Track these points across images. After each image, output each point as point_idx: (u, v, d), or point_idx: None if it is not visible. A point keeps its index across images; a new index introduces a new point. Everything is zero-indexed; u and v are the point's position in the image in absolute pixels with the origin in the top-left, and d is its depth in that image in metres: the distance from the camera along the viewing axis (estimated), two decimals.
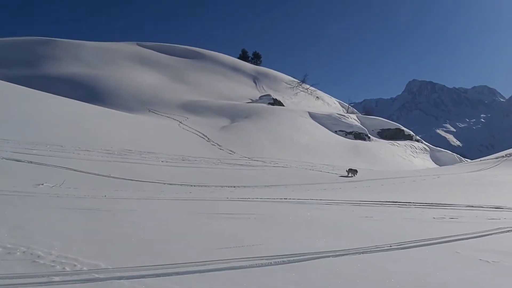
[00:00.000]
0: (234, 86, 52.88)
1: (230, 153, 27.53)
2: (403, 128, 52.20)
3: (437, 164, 45.41)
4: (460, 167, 27.93)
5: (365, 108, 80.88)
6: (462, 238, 5.74)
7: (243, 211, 7.14)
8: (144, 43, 59.88)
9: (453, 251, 5.07)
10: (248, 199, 9.90)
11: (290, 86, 59.35)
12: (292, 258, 4.15)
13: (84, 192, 9.74)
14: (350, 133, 44.82)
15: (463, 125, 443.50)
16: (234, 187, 15.50)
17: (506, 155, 27.33)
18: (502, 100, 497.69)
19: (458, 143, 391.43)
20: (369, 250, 4.86)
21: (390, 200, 9.84)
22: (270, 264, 3.88)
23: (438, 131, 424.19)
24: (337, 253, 4.54)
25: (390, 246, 5.15)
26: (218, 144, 28.76)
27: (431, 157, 50.17)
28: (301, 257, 4.18)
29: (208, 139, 29.50)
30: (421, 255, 4.86)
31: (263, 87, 55.34)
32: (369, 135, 46.49)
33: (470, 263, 4.61)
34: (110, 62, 48.61)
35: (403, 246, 5.18)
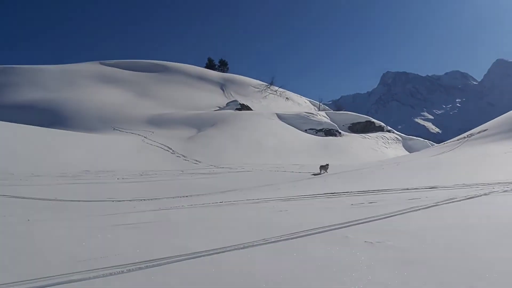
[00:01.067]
0: (201, 95, 52.61)
1: (195, 163, 27.22)
2: (373, 120, 52.62)
3: (409, 152, 45.81)
4: (423, 153, 28.14)
5: (338, 105, 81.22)
6: (362, 222, 5.61)
7: (152, 220, 6.89)
8: (106, 62, 59.14)
9: (343, 236, 4.92)
10: (181, 207, 9.65)
11: (258, 89, 59.39)
12: (156, 263, 3.93)
13: (8, 219, 9.34)
14: (320, 130, 44.94)
15: (440, 112, 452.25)
16: (187, 196, 15.19)
17: (467, 135, 27.62)
18: (474, 83, 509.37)
19: (437, 129, 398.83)
20: (252, 244, 4.67)
21: (322, 192, 9.71)
22: (123, 272, 3.66)
23: (416, 120, 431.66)
24: (212, 252, 4.34)
25: (280, 237, 4.98)
26: (183, 155, 28.43)
27: (403, 146, 50.68)
28: (167, 261, 3.98)
29: (173, 151, 29.14)
30: (304, 244, 4.70)
31: (231, 94, 55.22)
32: (339, 131, 46.69)
33: (350, 246, 4.46)
34: (71, 84, 47.85)
35: (294, 236, 5.01)
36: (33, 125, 29.35)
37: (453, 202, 6.92)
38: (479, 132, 26.93)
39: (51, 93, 44.27)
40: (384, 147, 46.67)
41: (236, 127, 37.66)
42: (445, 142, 30.37)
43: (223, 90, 56.23)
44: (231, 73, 67.84)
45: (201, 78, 58.22)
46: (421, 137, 59.37)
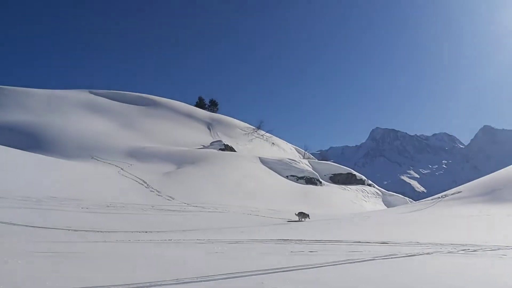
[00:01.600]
0: (187, 132, 52.64)
1: (168, 199, 26.76)
2: (354, 172, 52.82)
3: (388, 207, 45.69)
4: (398, 209, 28.11)
5: (323, 155, 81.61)
6: (287, 270, 5.43)
7: (82, 250, 6.63)
8: (96, 91, 59.36)
9: (258, 282, 4.74)
10: (127, 241, 9.36)
11: (245, 132, 59.66)
12: None
13: None
14: (301, 178, 44.85)
15: (426, 171, 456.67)
16: (146, 232, 14.79)
17: (441, 196, 27.74)
18: (461, 146, 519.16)
19: (422, 189, 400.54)
20: (159, 283, 4.47)
21: (275, 238, 9.52)
22: None
23: (402, 177, 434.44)
24: None
25: (195, 278, 4.79)
26: (157, 190, 27.98)
27: (383, 201, 50.60)
28: None
29: (147, 185, 28.71)
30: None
31: (217, 134, 55.35)
32: (320, 180, 46.65)
33: None
34: (57, 110, 47.72)
35: (208, 279, 4.82)
36: (12, 147, 28.90)
37: (392, 258, 6.80)
38: (453, 194, 27.10)
39: (35, 117, 43.98)
40: (363, 200, 46.55)
41: (217, 166, 37.46)
42: (420, 201, 30.44)
43: (209, 130, 56.38)
44: (220, 113, 68.33)
45: (189, 116, 58.46)
46: (407, 195, 59.45)
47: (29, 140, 37.43)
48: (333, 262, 6.07)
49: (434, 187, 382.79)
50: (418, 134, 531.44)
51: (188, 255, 6.87)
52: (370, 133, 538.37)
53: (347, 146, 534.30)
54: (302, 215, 21.08)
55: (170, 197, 27.27)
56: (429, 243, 9.42)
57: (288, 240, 9.40)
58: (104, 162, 34.78)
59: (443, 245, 9.06)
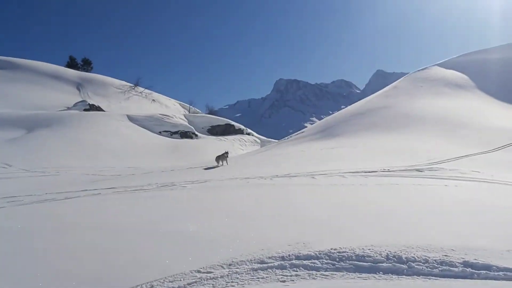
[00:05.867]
0: (52, 95, 48.88)
1: (4, 167, 24.79)
2: (233, 123, 53.63)
3: None
4: (252, 152, 29.09)
5: (210, 109, 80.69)
6: None
7: None
8: None
9: None
10: None
11: (121, 90, 57.03)
12: None
13: None
14: (175, 132, 44.48)
15: (326, 117, 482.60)
16: None
17: (287, 137, 29.17)
18: (357, 91, 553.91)
19: None
20: None
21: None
22: None
23: (306, 124, 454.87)
24: None
25: None
26: None
27: (261, 147, 52.39)
28: None
29: None
30: None
31: (87, 94, 52.25)
32: (196, 133, 46.70)
33: None
34: None
35: None
36: None
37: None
38: (296, 134, 28.61)
39: None
40: (240, 149, 47.64)
41: (75, 128, 35.55)
42: (273, 143, 31.79)
43: (79, 90, 52.87)
44: (97, 73, 64.26)
45: (56, 77, 54.03)
46: None
47: None
48: None
49: None
50: (318, 83, 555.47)
51: None
52: (274, 84, 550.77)
53: (253, 98, 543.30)
54: (221, 158, 18.60)
55: (7, 164, 25.30)
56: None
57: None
58: None
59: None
